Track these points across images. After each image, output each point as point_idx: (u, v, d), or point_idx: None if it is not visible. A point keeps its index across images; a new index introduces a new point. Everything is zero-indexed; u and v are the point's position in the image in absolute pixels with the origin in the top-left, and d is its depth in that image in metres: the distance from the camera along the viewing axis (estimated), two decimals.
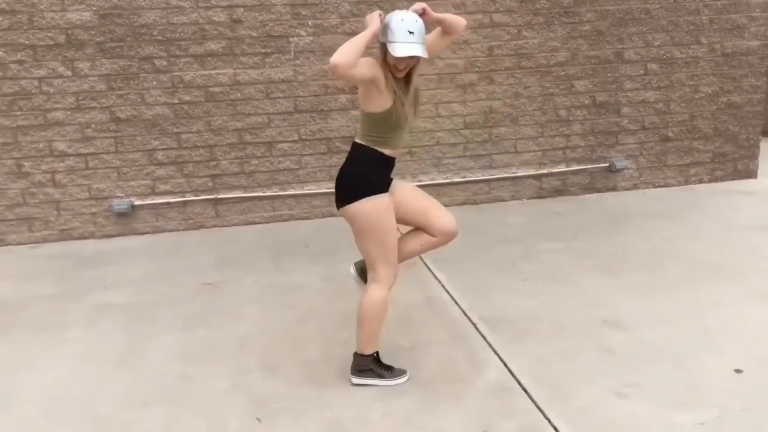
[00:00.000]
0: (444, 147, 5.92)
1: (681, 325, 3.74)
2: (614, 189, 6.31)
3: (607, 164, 6.24)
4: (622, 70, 6.08)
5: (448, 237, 3.30)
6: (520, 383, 3.23)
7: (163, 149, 5.48)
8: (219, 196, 5.64)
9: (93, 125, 5.34)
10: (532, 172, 6.12)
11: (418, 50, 2.92)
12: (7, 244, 5.40)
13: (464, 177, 6.02)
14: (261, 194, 5.71)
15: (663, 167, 6.37)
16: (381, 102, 3.01)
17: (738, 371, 3.26)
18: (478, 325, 3.82)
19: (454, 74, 5.79)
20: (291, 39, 5.48)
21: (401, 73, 3.03)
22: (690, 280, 4.30)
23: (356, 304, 3.26)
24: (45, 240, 5.45)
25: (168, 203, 5.57)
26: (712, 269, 4.46)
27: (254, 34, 5.42)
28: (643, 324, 3.76)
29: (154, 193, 5.55)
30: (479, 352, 3.55)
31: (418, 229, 3.30)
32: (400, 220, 3.23)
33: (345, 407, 3.09)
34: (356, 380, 3.29)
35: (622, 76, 6.09)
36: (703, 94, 6.26)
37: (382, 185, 3.13)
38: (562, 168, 6.18)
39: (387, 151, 3.13)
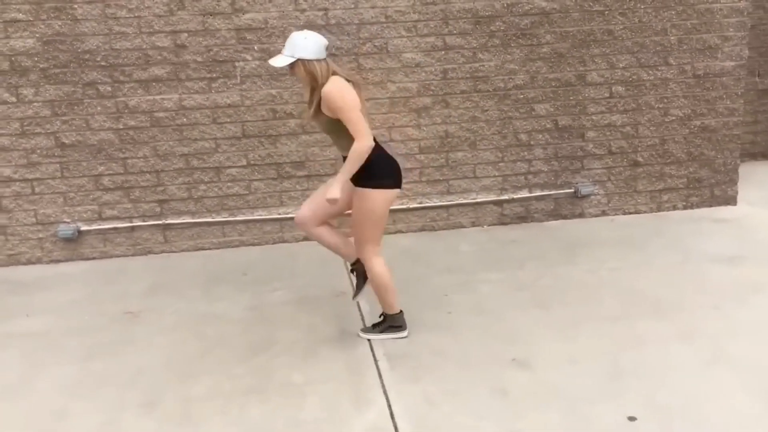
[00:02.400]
0: None
1: (590, 365, 3.51)
2: (581, 215, 6.07)
3: (572, 190, 6.01)
4: (586, 93, 5.86)
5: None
6: (396, 427, 3.05)
7: (109, 174, 5.46)
8: (167, 222, 5.59)
9: (38, 150, 5.36)
10: (492, 197, 5.93)
11: (273, 60, 3.50)
12: None
13: (421, 203, 5.86)
14: (210, 219, 5.64)
15: (633, 193, 6.10)
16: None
17: (631, 419, 3.03)
18: (379, 362, 3.65)
19: (407, 98, 5.66)
20: (237, 63, 5.43)
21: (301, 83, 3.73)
22: (619, 316, 4.06)
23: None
24: None
25: (115, 228, 5.55)
26: (648, 304, 4.21)
27: (199, 59, 5.38)
28: (551, 363, 3.55)
29: (101, 218, 5.53)
30: (369, 390, 3.38)
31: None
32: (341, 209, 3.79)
33: None
34: (382, 336, 3.88)
35: (586, 99, 5.87)
36: (674, 117, 6.00)
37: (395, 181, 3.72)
38: (524, 194, 5.97)
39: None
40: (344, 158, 3.58)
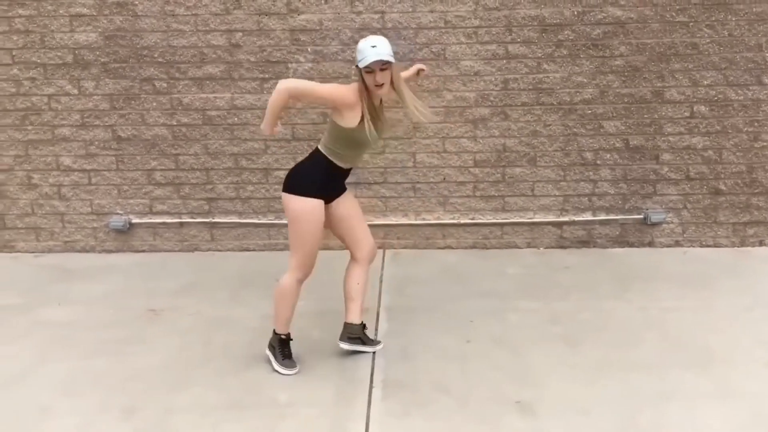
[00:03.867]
0: (451, 185, 5.50)
1: (602, 418, 3.13)
2: (650, 244, 5.55)
3: (641, 216, 5.50)
4: (662, 112, 5.35)
5: (367, 257, 3.78)
6: None
7: (161, 170, 5.53)
8: (214, 220, 5.59)
9: (96, 142, 5.50)
10: (551, 218, 5.53)
11: (381, 54, 3.31)
12: (16, 251, 5.67)
13: (473, 218, 5.56)
14: (256, 221, 5.59)
15: (712, 224, 5.52)
16: (350, 119, 3.37)
17: None
18: (374, 389, 3.43)
19: (464, 108, 5.38)
20: (290, 65, 5.34)
21: (382, 90, 3.38)
22: (654, 364, 3.62)
23: None
24: (50, 250, 5.66)
25: (165, 223, 5.61)
26: (692, 353, 3.74)
27: (253, 59, 5.34)
28: (558, 411, 3.20)
29: (151, 212, 5.61)
30: (351, 421, 3.17)
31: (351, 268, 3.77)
32: (332, 230, 3.73)
33: None
34: (267, 351, 3.69)
35: (663, 118, 5.36)
36: (765, 143, 5.37)
37: (318, 192, 3.49)
38: (587, 217, 5.53)
39: (341, 164, 3.52)
40: (349, 169, 3.67)
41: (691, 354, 3.73)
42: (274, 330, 3.68)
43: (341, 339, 3.72)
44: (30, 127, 5.48)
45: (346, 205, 3.71)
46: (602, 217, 5.52)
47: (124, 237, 5.64)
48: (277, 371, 3.59)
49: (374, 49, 3.33)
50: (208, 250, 5.65)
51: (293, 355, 3.66)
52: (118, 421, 3.18)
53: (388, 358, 3.75)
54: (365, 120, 3.38)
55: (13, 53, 5.38)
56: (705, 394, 3.32)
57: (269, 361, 3.66)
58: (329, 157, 3.52)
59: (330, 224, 3.71)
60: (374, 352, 3.80)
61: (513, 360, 3.71)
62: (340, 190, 3.70)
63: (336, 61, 5.31)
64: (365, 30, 5.23)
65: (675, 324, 4.11)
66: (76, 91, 5.43)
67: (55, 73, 5.40)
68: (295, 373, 3.57)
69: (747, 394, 3.32)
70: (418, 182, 5.50)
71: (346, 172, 3.66)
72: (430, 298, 4.58)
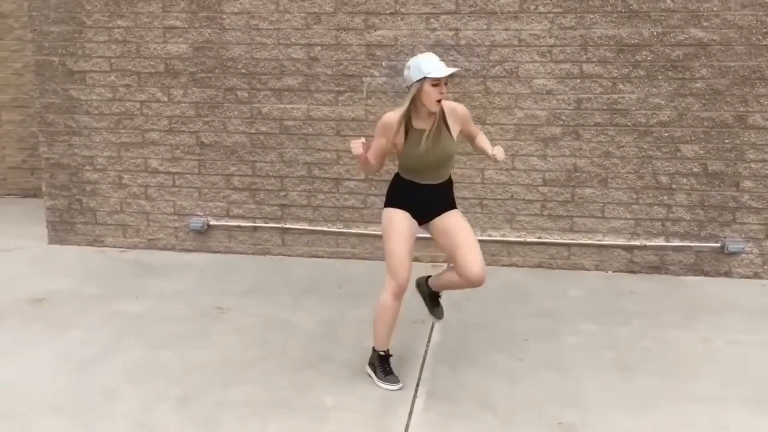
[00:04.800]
0: (519, 203, 5.49)
1: None
2: (727, 274, 5.34)
3: (718, 244, 5.31)
4: (745, 137, 5.16)
5: (469, 282, 3.53)
6: None
7: (239, 175, 5.79)
8: (286, 226, 5.80)
9: (181, 147, 5.82)
10: (621, 242, 5.42)
11: (451, 69, 3.35)
12: (105, 246, 6.06)
13: (540, 237, 5.52)
14: (326, 229, 5.76)
15: None
16: (398, 138, 3.49)
17: None
18: (417, 399, 3.49)
19: (534, 126, 5.36)
20: (364, 78, 5.49)
21: (437, 106, 3.40)
22: (711, 398, 3.50)
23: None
24: (135, 246, 6.02)
25: (239, 227, 5.86)
26: (754, 389, 3.59)
27: (329, 72, 5.52)
28: None
29: (228, 215, 5.87)
30: (392, 429, 3.23)
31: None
32: (439, 248, 3.69)
33: None
34: (368, 368, 3.72)
35: (745, 143, 5.17)
36: None
37: (399, 203, 3.60)
38: (659, 242, 5.38)
39: (407, 177, 3.59)
40: (438, 184, 3.63)
41: (753, 391, 3.59)
42: (373, 347, 3.69)
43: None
44: (123, 131, 5.86)
45: (449, 220, 3.64)
46: (676, 243, 5.36)
47: (202, 238, 5.92)
48: (380, 387, 3.60)
49: (441, 63, 3.39)
50: (279, 254, 5.86)
51: (393, 371, 3.64)
52: (172, 411, 3.37)
53: (434, 371, 3.80)
54: (408, 141, 3.49)
55: (112, 61, 5.77)
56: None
57: (371, 378, 3.67)
58: (399, 173, 3.65)
59: (437, 242, 3.68)
60: (421, 365, 3.84)
61: (562, 382, 3.68)
62: (435, 206, 3.64)
63: None
64: (439, 46, 5.31)
65: (739, 358, 3.96)
66: (165, 99, 5.76)
67: (147, 81, 5.75)
68: (399, 389, 3.55)
69: None
70: (485, 198, 5.52)
71: (429, 188, 3.60)
72: (486, 314, 4.59)
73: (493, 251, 5.57)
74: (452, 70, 3.37)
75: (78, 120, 5.90)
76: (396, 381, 3.59)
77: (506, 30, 5.26)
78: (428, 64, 3.35)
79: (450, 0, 5.28)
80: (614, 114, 5.27)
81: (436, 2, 5.30)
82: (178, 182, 5.89)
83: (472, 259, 3.47)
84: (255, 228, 5.86)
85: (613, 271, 5.47)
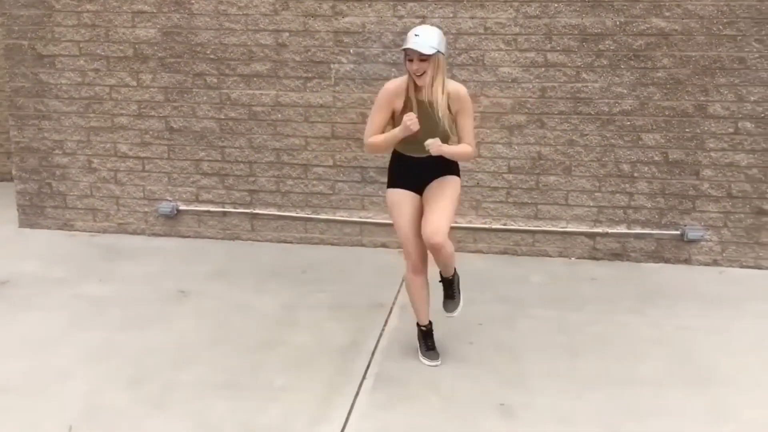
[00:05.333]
0: (484, 190, 5.55)
1: (580, 428, 3.14)
2: (687, 261, 5.42)
3: (678, 232, 5.38)
4: (705, 126, 5.22)
5: (426, 243, 3.51)
6: None
7: (208, 160, 5.82)
8: (255, 211, 5.84)
9: (150, 132, 5.84)
10: (584, 229, 5.49)
11: (417, 45, 3.31)
12: (75, 230, 6.10)
13: (505, 224, 5.58)
14: (294, 214, 5.81)
15: (754, 245, 5.34)
16: (397, 106, 3.55)
17: None
18: (366, 380, 3.56)
19: (500, 114, 5.41)
20: (332, 65, 5.52)
21: (420, 80, 3.42)
22: (652, 381, 3.59)
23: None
24: (105, 231, 6.06)
25: (209, 212, 5.90)
26: (695, 373, 3.67)
27: (297, 59, 5.55)
28: (540, 419, 3.23)
29: (197, 200, 5.91)
30: (335, 408, 3.30)
31: None
32: None
33: None
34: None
35: (705, 133, 5.23)
36: None
37: (398, 181, 3.65)
38: (621, 229, 5.45)
39: (402, 150, 3.61)
40: (427, 158, 3.54)
41: (694, 374, 3.67)
42: (416, 322, 3.84)
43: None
44: (92, 115, 5.89)
45: (432, 187, 3.63)
46: (637, 230, 5.43)
47: (172, 222, 5.97)
48: (421, 361, 3.74)
49: (416, 38, 3.37)
50: (248, 239, 5.90)
51: (435, 346, 3.79)
52: (122, 391, 3.43)
53: (386, 354, 3.87)
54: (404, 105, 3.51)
55: (81, 45, 5.79)
56: (697, 415, 3.27)
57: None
58: (395, 146, 3.63)
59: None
60: (374, 348, 3.91)
61: (509, 365, 3.75)
62: (428, 177, 3.64)
63: (377, 63, 5.45)
64: (405, 34, 5.33)
65: (686, 343, 4.04)
66: (134, 83, 5.78)
67: (116, 66, 5.77)
68: (437, 365, 3.69)
69: (742, 420, 3.25)
70: None
71: (422, 161, 3.57)
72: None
73: (459, 238, 5.63)
74: (418, 46, 3.33)
75: (47, 104, 5.92)
76: (434, 357, 3.73)
77: (472, 18, 5.30)
78: (405, 40, 3.40)
79: None
80: (578, 103, 5.32)
81: None
82: (147, 167, 5.92)
83: (430, 218, 3.48)
84: (224, 213, 5.90)
85: (576, 258, 5.54)
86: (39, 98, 5.92)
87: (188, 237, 5.96)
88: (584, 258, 5.53)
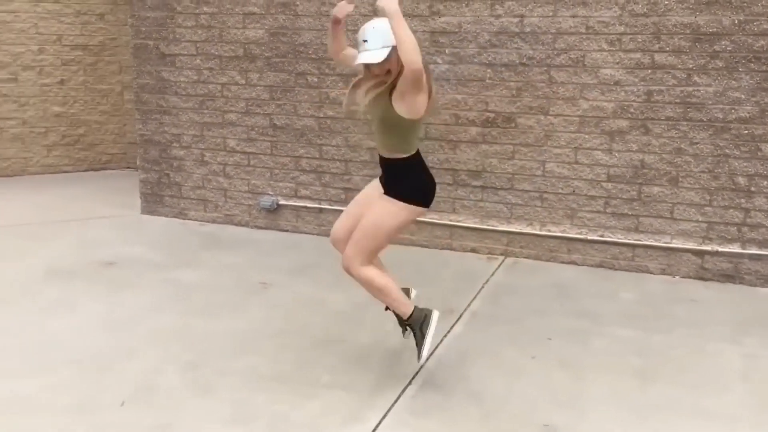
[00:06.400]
0: (581, 198, 5.27)
1: None
2: None
3: None
4: None
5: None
6: None
7: (307, 158, 5.97)
8: None
9: (256, 128, 6.09)
10: (691, 245, 5.06)
11: (366, 57, 3.14)
12: (188, 219, 6.48)
13: (602, 236, 5.27)
14: None
15: None
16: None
17: None
18: (410, 386, 3.49)
19: (600, 118, 5.11)
20: (428, 66, 5.46)
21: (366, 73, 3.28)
22: (724, 417, 3.23)
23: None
24: (213, 221, 6.39)
25: (306, 207, 6.06)
26: None
27: None
28: None
29: (296, 196, 6.08)
30: (372, 409, 3.26)
31: None
32: None
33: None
34: (430, 328, 3.36)
35: None
36: None
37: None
38: (734, 248, 4.97)
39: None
40: (385, 159, 3.34)
41: None
42: (406, 321, 3.47)
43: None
44: (206, 111, 6.22)
45: (371, 201, 3.40)
46: (753, 251, 4.92)
47: (273, 216, 6.18)
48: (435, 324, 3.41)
49: (363, 44, 3.18)
50: None
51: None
52: (177, 373, 3.59)
53: (440, 361, 3.77)
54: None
55: (197, 45, 6.14)
56: None
57: (423, 348, 3.38)
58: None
59: None
60: (427, 355, 3.80)
61: (569, 384, 3.53)
62: (383, 182, 3.42)
63: (472, 63, 5.34)
64: (503, 33, 5.20)
65: None
66: (243, 82, 6.05)
67: (228, 65, 6.06)
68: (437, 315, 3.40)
69: None
70: (546, 192, 5.34)
71: (383, 161, 3.37)
72: (520, 309, 4.47)
73: (552, 247, 5.39)
74: (363, 60, 3.17)
75: (168, 100, 6.33)
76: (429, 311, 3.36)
77: (573, 17, 5.04)
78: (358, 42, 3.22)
79: None
80: (688, 108, 4.91)
81: None
82: (252, 162, 6.17)
83: (351, 240, 3.33)
84: (320, 210, 6.02)
85: (681, 277, 5.12)
86: (161, 94, 6.35)
87: (287, 231, 6.14)
88: (690, 277, 5.10)
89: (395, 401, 3.35)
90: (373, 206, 3.33)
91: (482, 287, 4.86)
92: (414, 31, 5.31)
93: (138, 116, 6.50)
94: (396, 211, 3.29)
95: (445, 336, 4.08)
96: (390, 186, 3.34)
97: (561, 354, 3.86)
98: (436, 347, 3.93)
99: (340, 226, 3.50)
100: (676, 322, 4.30)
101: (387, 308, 3.50)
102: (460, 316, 4.36)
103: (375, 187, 3.50)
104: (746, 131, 4.81)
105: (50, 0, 7.96)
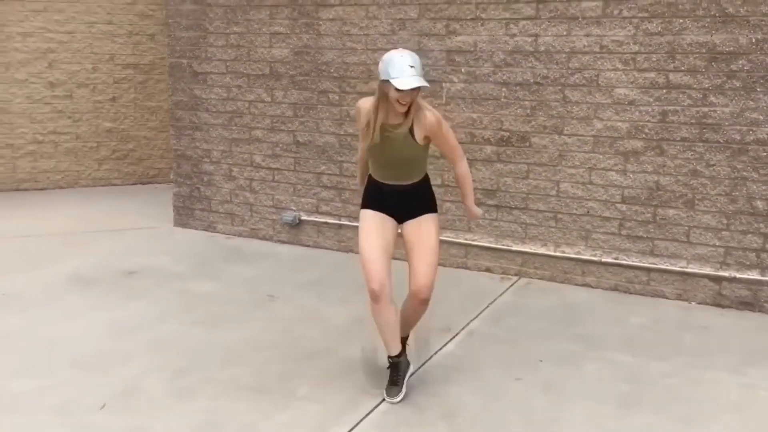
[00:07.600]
0: (595, 219, 5.17)
1: None
2: None
3: None
4: None
5: (414, 295, 3.47)
6: None
7: (328, 174, 6.08)
8: None
9: (280, 145, 6.24)
10: (708, 271, 4.89)
11: (420, 81, 3.20)
12: (216, 232, 6.68)
13: (616, 258, 5.15)
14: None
15: None
16: (366, 138, 3.42)
17: None
18: (384, 403, 3.50)
19: (614, 138, 5.02)
20: (444, 84, 5.50)
21: (403, 108, 3.29)
22: None
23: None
24: (240, 234, 6.57)
25: (327, 223, 6.15)
26: None
27: None
28: None
29: (317, 212, 6.19)
30: (340, 425, 3.29)
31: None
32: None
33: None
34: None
35: None
36: None
37: (369, 203, 3.59)
38: (753, 275, 4.78)
39: (373, 175, 3.57)
40: (404, 186, 3.53)
41: None
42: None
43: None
44: (234, 128, 6.43)
45: (411, 230, 3.54)
46: None
47: (295, 231, 6.30)
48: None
49: (412, 69, 3.22)
50: (350, 252, 6.05)
51: (399, 381, 3.51)
52: (164, 380, 3.71)
53: (422, 378, 3.77)
54: (370, 128, 3.36)
55: (227, 64, 6.36)
56: None
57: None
58: (370, 173, 3.62)
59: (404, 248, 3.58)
60: (414, 368, 3.81)
61: (547, 408, 3.47)
62: (405, 209, 3.55)
63: (487, 82, 5.34)
64: (517, 53, 5.18)
65: None
66: (269, 99, 6.22)
67: (255, 83, 6.25)
68: (396, 402, 3.45)
69: None
70: (560, 212, 5.27)
71: (397, 189, 3.52)
72: (518, 331, 4.42)
73: (566, 269, 5.30)
74: (418, 83, 3.19)
75: (200, 116, 6.57)
76: (394, 393, 3.47)
77: (587, 36, 4.98)
78: (397, 69, 3.20)
79: (530, 5, 5.12)
80: (704, 129, 4.77)
81: (516, 8, 5.16)
82: (276, 177, 6.32)
83: (421, 270, 3.43)
84: (340, 226, 6.11)
85: (698, 303, 4.94)
86: (193, 111, 6.59)
87: (308, 246, 6.25)
88: (707, 304, 4.92)
89: (365, 416, 3.37)
90: (422, 231, 3.49)
91: (487, 307, 4.83)
92: (431, 51, 5.40)
93: (173, 132, 6.76)
94: (438, 224, 3.60)
95: (435, 354, 4.08)
96: (421, 206, 3.57)
97: (548, 377, 3.79)
98: (423, 364, 3.93)
99: (381, 269, 3.42)
100: (679, 350, 4.16)
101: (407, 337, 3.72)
102: (456, 335, 4.35)
103: (385, 219, 3.56)
104: (764, 153, 4.63)
105: (104, 21, 8.38)
